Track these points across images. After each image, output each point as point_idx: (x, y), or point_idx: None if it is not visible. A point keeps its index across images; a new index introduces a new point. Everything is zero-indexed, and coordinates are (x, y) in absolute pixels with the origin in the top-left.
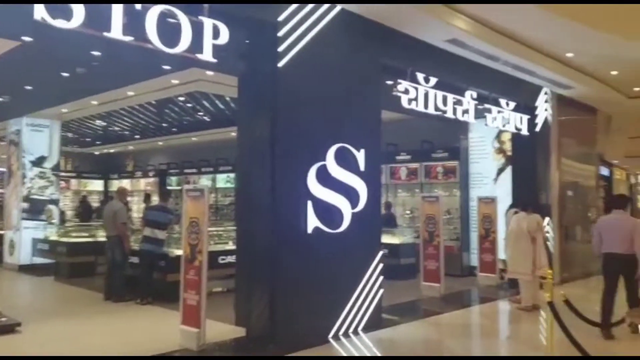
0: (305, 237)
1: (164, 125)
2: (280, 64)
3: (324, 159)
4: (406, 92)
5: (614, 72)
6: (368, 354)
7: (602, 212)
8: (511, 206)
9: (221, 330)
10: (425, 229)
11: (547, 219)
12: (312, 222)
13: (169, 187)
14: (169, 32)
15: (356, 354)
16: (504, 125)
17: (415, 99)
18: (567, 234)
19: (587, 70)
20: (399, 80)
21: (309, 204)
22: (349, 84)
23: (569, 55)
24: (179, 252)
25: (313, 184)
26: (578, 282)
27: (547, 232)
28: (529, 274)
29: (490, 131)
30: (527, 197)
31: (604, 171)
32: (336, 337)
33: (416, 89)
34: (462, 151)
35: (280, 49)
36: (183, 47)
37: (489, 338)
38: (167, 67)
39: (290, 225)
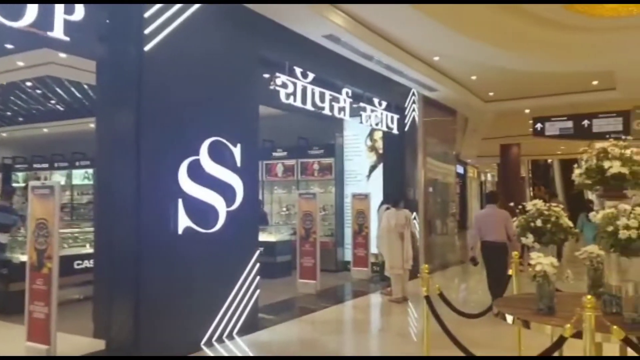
0: (175, 238)
1: (9, 114)
2: (147, 48)
3: (197, 154)
4: (284, 86)
5: (474, 77)
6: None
7: (459, 207)
8: (382, 202)
9: (77, 344)
10: (302, 226)
11: (414, 214)
12: (183, 221)
13: (14, 184)
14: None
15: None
16: (377, 124)
17: (294, 94)
18: (431, 228)
19: (450, 74)
20: (277, 74)
21: (180, 202)
22: (225, 74)
23: (436, 58)
24: (25, 258)
25: (184, 181)
26: (438, 273)
27: (415, 226)
28: (400, 267)
29: (363, 129)
30: (397, 193)
31: (460, 169)
32: (209, 343)
33: (294, 83)
34: (337, 148)
35: (147, 31)
36: (28, 20)
37: (363, 332)
38: (10, 46)
39: (158, 226)
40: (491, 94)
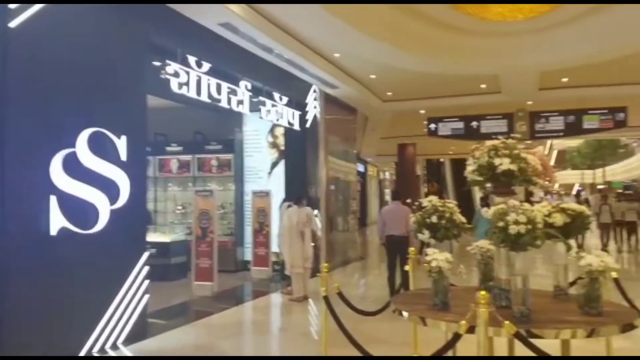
0: (47, 239)
1: None
2: (13, 24)
3: (73, 146)
4: (176, 75)
5: (373, 76)
6: None
7: (360, 204)
8: (284, 200)
9: None
10: (199, 225)
11: (316, 212)
12: (58, 221)
13: None
14: None
15: None
16: (277, 120)
17: (187, 84)
18: (332, 225)
19: (350, 72)
20: (168, 62)
21: (53, 199)
22: (108, 59)
23: (336, 55)
24: None
25: (59, 176)
26: (339, 269)
27: (317, 224)
28: (301, 266)
29: (264, 125)
30: (299, 190)
31: (360, 168)
32: (89, 355)
33: (187, 73)
34: (236, 144)
35: (14, 5)
36: None
37: (263, 333)
38: None
39: (25, 226)
40: (389, 93)
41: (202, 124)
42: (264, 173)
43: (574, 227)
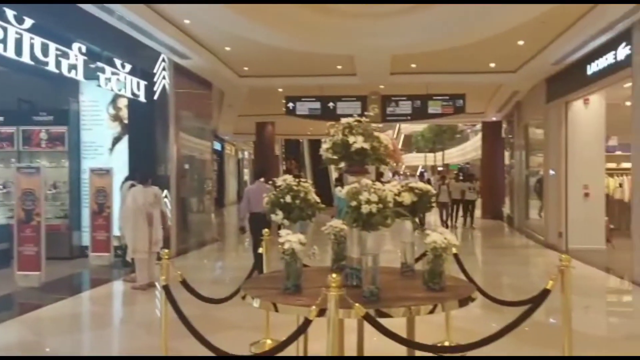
0: None
1: None
2: None
3: None
4: None
5: (228, 48)
6: None
7: (217, 184)
8: (127, 179)
9: None
10: (22, 207)
11: (165, 192)
12: None
13: None
14: None
15: None
16: (119, 90)
17: (4, 42)
18: (184, 206)
19: (202, 41)
20: None
21: None
22: None
23: (187, 21)
24: None
25: None
26: (194, 252)
27: (166, 204)
28: (145, 250)
29: (105, 95)
30: (145, 169)
31: (217, 146)
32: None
33: (4, 29)
34: (72, 115)
35: None
36: None
37: (100, 326)
38: None
39: None
40: (246, 68)
41: (28, 91)
42: (104, 149)
43: (420, 206)
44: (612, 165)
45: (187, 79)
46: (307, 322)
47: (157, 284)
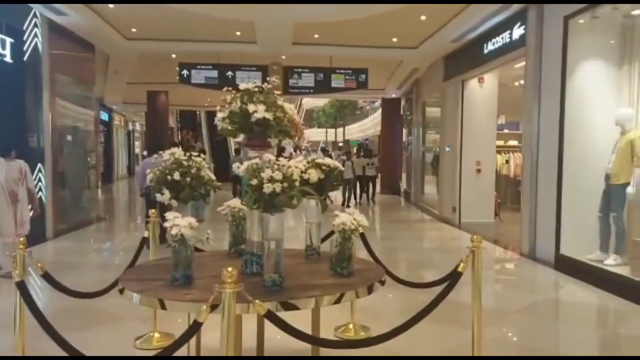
0: None
1: None
2: None
3: None
4: None
5: (111, 6)
6: None
7: (103, 157)
8: None
9: None
10: None
11: (38, 166)
12: None
13: None
14: None
15: None
16: None
17: None
18: (63, 182)
19: None
20: None
21: None
22: None
23: None
24: None
25: None
26: (76, 233)
27: (38, 179)
28: (12, 234)
29: None
30: (11, 139)
31: (104, 116)
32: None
33: None
34: None
35: None
36: None
37: None
38: None
39: None
40: (134, 30)
41: None
42: None
43: (327, 184)
44: (500, 142)
45: (66, 40)
46: (196, 325)
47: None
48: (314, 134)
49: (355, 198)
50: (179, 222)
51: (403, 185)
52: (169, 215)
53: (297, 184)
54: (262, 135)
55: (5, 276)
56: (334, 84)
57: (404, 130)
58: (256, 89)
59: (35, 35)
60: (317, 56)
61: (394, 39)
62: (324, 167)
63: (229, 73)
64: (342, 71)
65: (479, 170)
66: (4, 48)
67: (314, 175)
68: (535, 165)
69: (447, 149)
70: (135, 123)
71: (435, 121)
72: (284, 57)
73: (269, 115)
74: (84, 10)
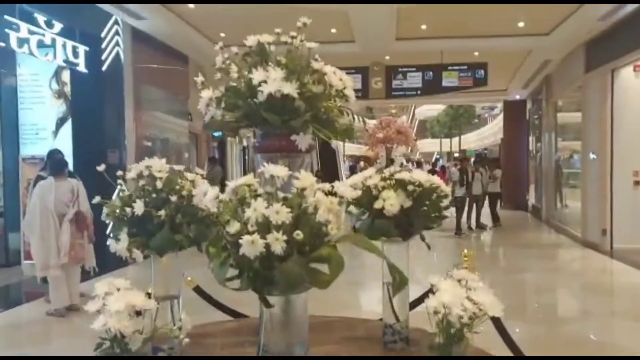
0: None
1: None
2: None
3: None
4: None
5: (191, 6)
6: None
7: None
8: (42, 169)
9: None
10: None
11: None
12: None
13: None
14: None
15: None
16: (46, 55)
17: None
18: None
19: None
20: None
21: None
22: None
23: None
24: None
25: None
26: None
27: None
28: (57, 265)
29: (47, 67)
30: (89, 155)
31: (216, 132)
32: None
33: None
34: (5, 92)
35: None
36: None
37: None
38: None
39: None
40: (223, 35)
41: None
42: (47, 132)
43: (418, 213)
44: None
45: (154, 49)
46: None
47: (82, 306)
48: (427, 145)
49: (477, 221)
50: (113, 306)
51: (531, 199)
52: (98, 287)
53: (334, 230)
54: (286, 129)
55: (55, 314)
56: (445, 83)
57: (531, 137)
58: (275, 42)
59: (117, 44)
60: (426, 52)
61: (520, 24)
62: (411, 187)
63: None
64: (456, 67)
65: (637, 183)
66: (76, 56)
67: (393, 201)
68: None
69: (592, 156)
70: (250, 139)
71: (572, 124)
72: (387, 57)
73: (292, 90)
74: (162, 11)
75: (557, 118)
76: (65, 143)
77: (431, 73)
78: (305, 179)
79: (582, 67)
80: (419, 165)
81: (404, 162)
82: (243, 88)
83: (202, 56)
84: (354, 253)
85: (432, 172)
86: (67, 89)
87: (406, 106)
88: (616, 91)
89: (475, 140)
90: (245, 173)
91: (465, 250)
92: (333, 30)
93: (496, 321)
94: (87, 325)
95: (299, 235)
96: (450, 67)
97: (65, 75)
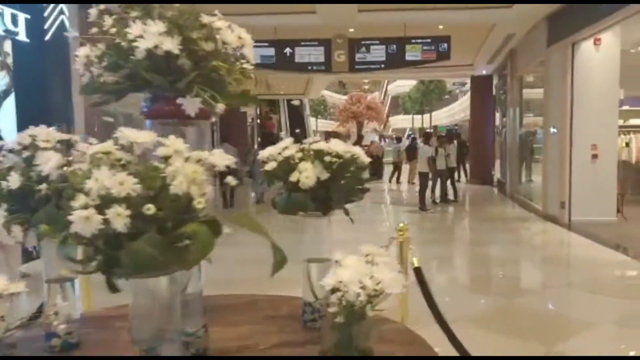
0: None
1: None
2: None
3: None
4: None
5: None
6: None
7: None
8: None
9: None
10: None
11: None
12: None
13: None
14: None
15: None
16: None
17: None
18: None
19: None
20: None
21: None
22: None
23: None
24: None
25: None
26: None
27: None
28: None
29: None
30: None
31: None
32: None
33: None
34: None
35: None
36: None
37: None
38: None
39: None
40: None
41: None
42: None
43: (340, 187)
44: (620, 122)
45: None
46: None
47: None
48: (400, 121)
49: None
50: None
51: (497, 174)
52: None
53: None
54: (172, 90)
55: None
56: (409, 57)
57: (498, 113)
58: None
59: (61, 12)
60: (389, 25)
61: None
62: (328, 158)
63: (287, 50)
64: (419, 40)
65: (595, 156)
66: (15, 25)
67: (309, 174)
68: None
69: (553, 130)
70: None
71: (536, 99)
72: (352, 30)
73: (173, 46)
74: None
75: (522, 93)
76: (9, 117)
77: (394, 46)
78: (173, 144)
79: (544, 41)
80: (398, 140)
81: (376, 139)
82: (125, 44)
83: None
84: None
85: (413, 147)
86: (10, 59)
87: (379, 81)
88: (576, 65)
89: (446, 116)
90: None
91: (400, 224)
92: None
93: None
94: None
95: (149, 210)
96: (413, 41)
97: (8, 46)
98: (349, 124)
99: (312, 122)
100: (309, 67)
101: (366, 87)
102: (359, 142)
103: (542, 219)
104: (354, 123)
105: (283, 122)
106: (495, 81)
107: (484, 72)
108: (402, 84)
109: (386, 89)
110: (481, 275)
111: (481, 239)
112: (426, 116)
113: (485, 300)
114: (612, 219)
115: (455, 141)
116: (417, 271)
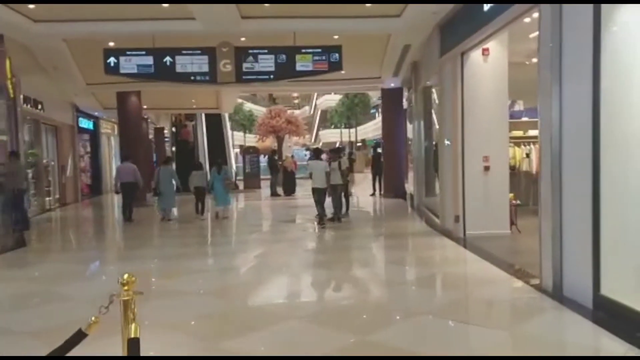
0: None
1: None
2: None
3: None
4: None
5: None
6: None
7: (89, 168)
8: None
9: None
10: None
11: None
12: None
13: None
14: None
15: None
16: None
17: None
18: None
19: None
20: None
21: None
22: None
23: None
24: None
25: None
26: None
27: None
28: None
29: None
30: None
31: (86, 124)
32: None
33: None
34: None
35: None
36: None
37: None
38: None
39: None
40: (31, 7)
41: None
42: None
43: None
44: (519, 133)
45: None
46: None
47: None
48: (329, 135)
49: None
50: None
51: (410, 187)
52: None
53: None
54: None
55: None
56: (299, 67)
57: (409, 125)
58: None
59: None
60: (278, 34)
61: (368, 5)
62: None
63: (167, 59)
64: (310, 50)
65: (487, 168)
66: None
67: None
68: (558, 163)
69: (447, 142)
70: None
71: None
72: (243, 39)
73: None
74: None
75: (426, 105)
76: None
77: (284, 56)
78: None
79: (438, 51)
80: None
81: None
82: None
83: (15, 31)
84: None
85: (352, 160)
86: None
87: (308, 95)
88: (466, 76)
89: (373, 130)
90: None
91: (125, 276)
92: (165, 5)
93: None
94: None
95: None
96: (303, 50)
97: None
98: (268, 138)
99: (238, 136)
100: (192, 78)
101: (296, 101)
102: (279, 157)
103: (439, 234)
104: (273, 137)
105: (199, 134)
106: (405, 93)
107: (392, 85)
108: (330, 98)
109: (315, 103)
110: (342, 305)
111: (363, 259)
112: (354, 130)
113: (336, 336)
114: (505, 232)
115: (343, 156)
116: (133, 344)
